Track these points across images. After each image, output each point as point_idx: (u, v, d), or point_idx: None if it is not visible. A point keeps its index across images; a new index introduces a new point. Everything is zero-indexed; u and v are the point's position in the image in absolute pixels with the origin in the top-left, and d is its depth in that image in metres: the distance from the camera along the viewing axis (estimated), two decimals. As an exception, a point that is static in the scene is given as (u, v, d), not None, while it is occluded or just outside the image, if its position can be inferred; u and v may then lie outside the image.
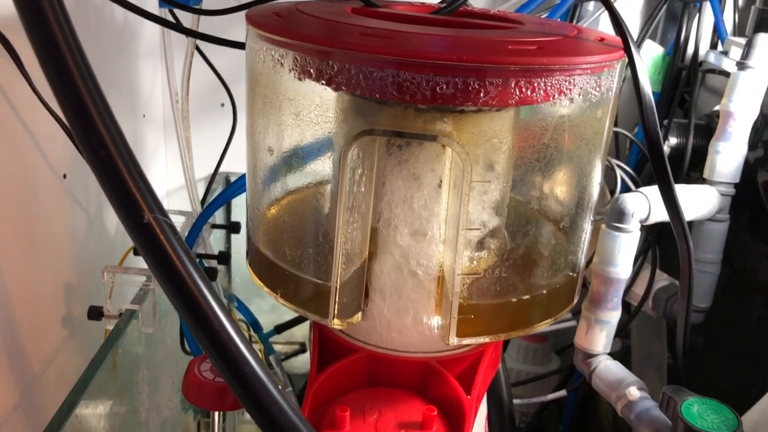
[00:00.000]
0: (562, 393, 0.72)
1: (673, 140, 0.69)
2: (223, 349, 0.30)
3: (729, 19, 0.88)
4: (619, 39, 0.42)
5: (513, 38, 0.39)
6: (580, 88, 0.39)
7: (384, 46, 0.36)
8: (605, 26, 0.80)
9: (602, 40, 0.43)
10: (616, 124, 0.74)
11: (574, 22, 0.78)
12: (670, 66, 0.71)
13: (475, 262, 0.46)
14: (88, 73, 0.30)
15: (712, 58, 0.76)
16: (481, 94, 0.36)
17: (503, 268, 0.45)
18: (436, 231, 0.43)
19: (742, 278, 0.65)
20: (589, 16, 0.79)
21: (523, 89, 0.37)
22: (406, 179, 0.43)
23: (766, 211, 0.61)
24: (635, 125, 0.74)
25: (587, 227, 0.47)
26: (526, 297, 0.44)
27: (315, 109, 0.41)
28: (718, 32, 0.78)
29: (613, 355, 0.85)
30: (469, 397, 0.46)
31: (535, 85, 0.37)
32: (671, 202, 0.44)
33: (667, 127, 0.67)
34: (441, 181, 0.42)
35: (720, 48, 0.81)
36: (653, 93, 0.74)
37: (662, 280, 0.67)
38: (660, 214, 0.54)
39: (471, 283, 0.43)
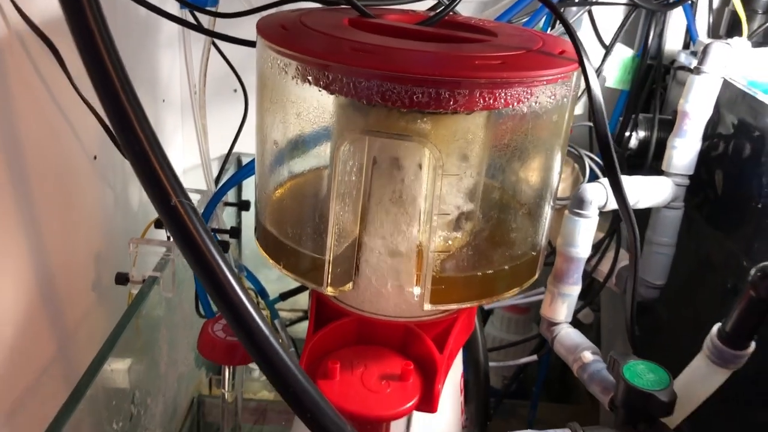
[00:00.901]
0: (534, 358, 0.79)
1: (641, 133, 0.76)
2: (235, 309, 0.36)
3: (705, 20, 0.93)
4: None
5: (481, 53, 0.45)
6: (537, 97, 0.45)
7: (370, 61, 0.42)
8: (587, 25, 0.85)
9: (562, 52, 0.49)
10: (589, 119, 0.80)
11: (557, 23, 0.83)
12: (638, 67, 0.76)
13: (450, 242, 0.52)
14: (129, 85, 0.36)
15: (682, 58, 0.81)
16: (451, 102, 0.42)
17: (472, 246, 0.52)
18: (416, 214, 0.50)
19: (699, 260, 0.72)
20: (572, 15, 0.84)
21: (487, 98, 0.43)
22: (391, 169, 0.49)
23: (720, 201, 0.68)
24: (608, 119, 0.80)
25: (547, 213, 0.54)
26: (491, 272, 0.51)
27: (313, 110, 0.48)
28: (690, 34, 0.84)
29: (587, 326, 0.92)
30: (441, 354, 0.52)
31: (497, 94, 0.43)
32: (619, 193, 0.51)
33: (635, 121, 0.73)
34: (420, 169, 0.49)
35: (692, 48, 0.86)
36: (624, 91, 0.80)
37: (625, 259, 0.74)
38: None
39: (444, 259, 0.50)
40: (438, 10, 0.54)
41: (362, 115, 0.48)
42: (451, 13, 0.58)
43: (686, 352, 0.74)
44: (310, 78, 0.45)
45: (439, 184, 0.46)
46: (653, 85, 0.77)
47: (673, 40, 0.90)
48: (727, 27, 0.91)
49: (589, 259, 0.78)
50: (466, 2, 0.74)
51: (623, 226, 0.77)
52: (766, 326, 0.47)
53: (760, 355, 0.49)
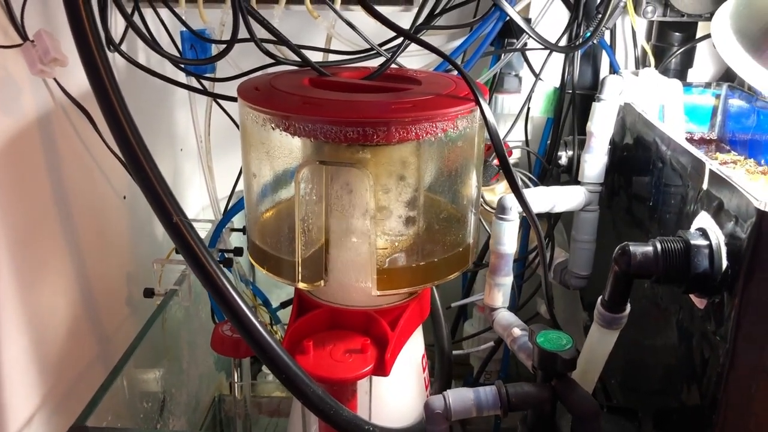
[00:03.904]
0: (490, 344, 0.91)
1: (570, 152, 0.88)
2: (218, 290, 0.50)
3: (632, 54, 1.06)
4: (484, 89, 0.62)
5: (399, 99, 0.59)
6: (441, 129, 0.58)
7: (315, 111, 0.56)
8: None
9: (467, 94, 0.62)
10: (527, 145, 0.93)
11: (501, 57, 0.96)
12: (559, 97, 0.89)
13: (397, 243, 0.65)
14: (140, 137, 0.50)
15: (603, 88, 0.94)
16: (375, 137, 0.56)
17: (412, 245, 0.65)
18: (365, 223, 0.63)
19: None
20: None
21: (402, 132, 0.56)
22: (343, 190, 0.62)
23: (629, 201, 0.79)
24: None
25: (470, 217, 0.66)
26: (423, 263, 0.63)
27: (279, 148, 0.61)
28: (612, 66, 0.97)
29: (548, 320, 1.03)
30: (393, 332, 0.65)
31: (409, 129, 0.56)
32: (520, 198, 0.63)
33: (557, 144, 0.86)
34: (364, 189, 0.62)
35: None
36: (548, 119, 0.93)
37: (561, 256, 0.86)
38: (536, 207, 0.73)
39: (387, 255, 0.63)
40: (375, 69, 0.68)
41: (318, 149, 0.61)
42: (394, 66, 0.73)
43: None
44: (274, 125, 0.59)
45: (378, 199, 0.59)
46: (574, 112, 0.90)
47: (605, 73, 1.04)
48: (649, 59, 1.04)
49: (533, 259, 0.90)
50: (416, 56, 0.87)
51: (557, 230, 0.89)
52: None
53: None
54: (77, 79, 0.73)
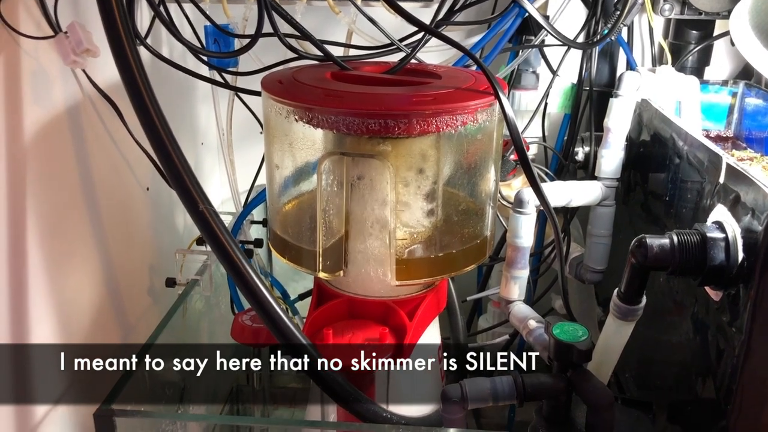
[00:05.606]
0: (505, 337, 0.91)
1: (586, 148, 0.89)
2: (240, 273, 0.51)
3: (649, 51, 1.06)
4: (504, 84, 0.63)
5: (419, 92, 0.60)
6: (461, 122, 0.59)
7: (338, 103, 0.57)
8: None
9: (486, 88, 0.63)
10: (544, 141, 0.94)
11: (519, 53, 0.96)
12: (576, 94, 0.90)
13: (416, 235, 0.66)
14: (168, 129, 0.52)
15: (622, 84, 0.94)
16: (396, 129, 0.57)
17: (430, 236, 0.66)
18: (384, 214, 0.64)
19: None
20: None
21: (422, 124, 0.57)
22: (364, 182, 0.63)
23: (645, 197, 0.80)
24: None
25: (488, 210, 0.67)
26: (442, 254, 0.64)
27: (301, 139, 0.63)
28: (629, 63, 0.97)
29: (563, 315, 1.04)
30: (411, 322, 0.66)
31: (430, 121, 0.57)
32: (537, 190, 0.64)
33: (574, 139, 0.86)
34: (384, 180, 0.63)
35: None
36: (566, 115, 0.94)
37: (577, 251, 0.86)
38: (553, 201, 0.73)
39: (406, 246, 0.64)
40: (396, 63, 0.69)
41: (339, 141, 0.63)
42: (414, 61, 0.74)
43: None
44: (297, 117, 0.60)
45: (398, 191, 0.60)
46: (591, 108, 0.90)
47: (622, 69, 1.04)
48: (666, 57, 1.04)
49: (549, 253, 0.91)
50: (435, 51, 0.88)
51: (573, 226, 0.90)
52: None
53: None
54: (105, 72, 0.74)
